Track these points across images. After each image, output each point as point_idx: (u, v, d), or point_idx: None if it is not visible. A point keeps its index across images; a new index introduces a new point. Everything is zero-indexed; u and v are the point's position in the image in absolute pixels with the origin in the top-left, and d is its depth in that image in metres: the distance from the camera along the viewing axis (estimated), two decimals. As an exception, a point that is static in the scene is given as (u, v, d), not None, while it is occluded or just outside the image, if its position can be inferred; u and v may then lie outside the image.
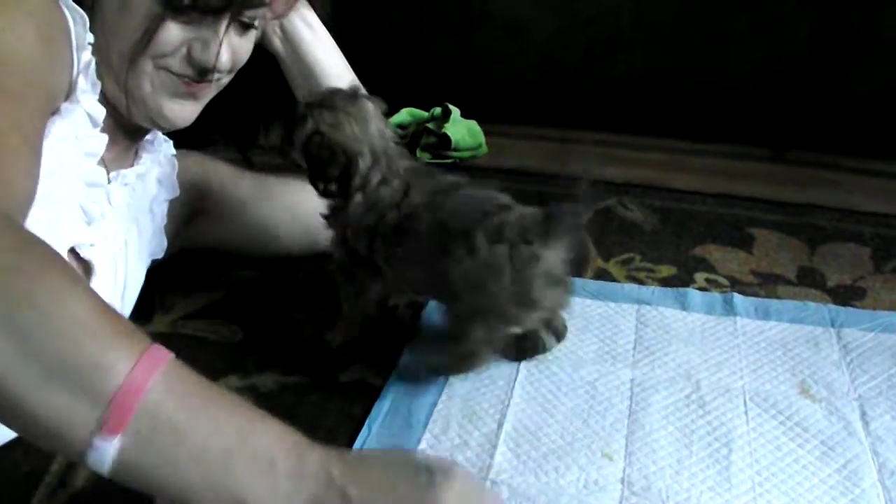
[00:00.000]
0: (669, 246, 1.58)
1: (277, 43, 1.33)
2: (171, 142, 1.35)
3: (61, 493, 1.00)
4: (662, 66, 2.19)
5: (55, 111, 1.01)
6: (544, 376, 1.18)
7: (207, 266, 1.49)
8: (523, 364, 1.20)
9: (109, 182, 1.18)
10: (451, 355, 1.14)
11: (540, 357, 1.22)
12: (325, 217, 1.21)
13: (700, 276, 1.46)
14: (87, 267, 1.12)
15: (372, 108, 1.19)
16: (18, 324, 0.66)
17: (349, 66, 1.40)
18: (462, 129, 2.04)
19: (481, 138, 2.09)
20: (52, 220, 1.00)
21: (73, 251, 1.10)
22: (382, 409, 1.12)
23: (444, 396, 1.14)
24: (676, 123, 2.16)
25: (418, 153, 2.04)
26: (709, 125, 2.14)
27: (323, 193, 1.19)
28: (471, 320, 1.09)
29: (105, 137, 1.09)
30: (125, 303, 1.24)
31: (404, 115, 2.15)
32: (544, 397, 1.14)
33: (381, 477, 0.72)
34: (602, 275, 1.47)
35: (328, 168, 1.16)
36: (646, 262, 1.51)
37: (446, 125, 2.02)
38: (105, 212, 1.15)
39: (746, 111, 2.16)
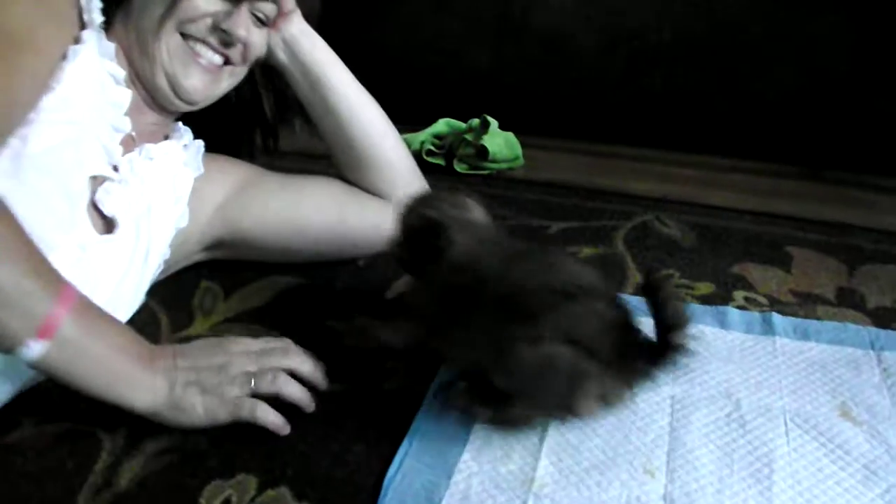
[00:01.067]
0: (707, 263, 1.57)
1: (281, 55, 1.44)
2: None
3: (106, 492, 1.03)
4: (701, 82, 2.19)
5: (64, 56, 1.18)
6: (585, 391, 1.18)
7: (247, 272, 1.51)
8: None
9: (134, 151, 1.30)
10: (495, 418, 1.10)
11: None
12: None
13: (739, 295, 1.45)
14: (109, 223, 1.24)
15: (470, 201, 1.21)
16: None
17: (351, 74, 1.49)
18: (500, 141, 2.05)
19: (518, 150, 2.10)
20: (76, 140, 1.18)
21: (96, 208, 1.22)
22: (424, 420, 1.12)
23: (485, 408, 1.15)
24: (714, 140, 2.16)
25: (455, 164, 2.05)
26: (746, 142, 2.14)
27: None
28: (511, 398, 1.05)
29: (129, 92, 1.27)
30: (148, 265, 1.32)
31: (442, 125, 2.17)
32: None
33: (194, 357, 1.10)
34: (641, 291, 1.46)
35: (428, 245, 1.14)
36: (684, 278, 1.51)
37: (484, 136, 2.03)
38: (128, 178, 1.27)
39: (783, 129, 2.15)
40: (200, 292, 1.46)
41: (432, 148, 2.08)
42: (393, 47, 2.41)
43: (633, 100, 2.25)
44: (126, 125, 1.27)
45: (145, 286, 1.35)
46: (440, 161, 2.06)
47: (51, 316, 0.97)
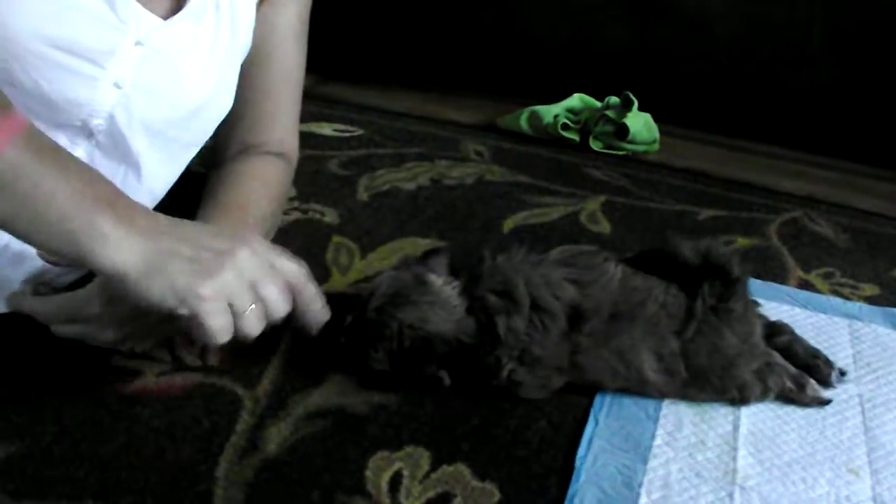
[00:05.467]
0: (867, 265, 1.52)
1: None
2: None
3: (252, 457, 0.92)
4: (848, 82, 2.13)
5: None
6: (771, 381, 1.14)
7: (382, 230, 1.49)
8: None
9: None
10: None
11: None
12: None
13: (906, 299, 1.40)
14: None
15: (438, 280, 1.06)
16: None
17: None
18: (640, 122, 2.00)
19: (656, 133, 2.05)
20: None
21: None
22: (606, 398, 1.07)
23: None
24: (851, 144, 2.10)
25: (591, 141, 2.01)
26: (883, 150, 2.08)
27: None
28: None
29: None
30: (237, 43, 1.22)
31: (576, 100, 2.13)
32: (775, 402, 1.09)
33: (192, 230, 0.91)
34: (805, 285, 1.42)
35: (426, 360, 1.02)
36: (846, 278, 1.46)
37: (627, 115, 1.98)
38: None
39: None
40: (333, 247, 1.41)
41: (567, 122, 2.03)
42: (531, 20, 2.36)
43: (774, 94, 2.19)
44: None
45: (235, 72, 1.23)
46: (574, 136, 2.02)
47: None
